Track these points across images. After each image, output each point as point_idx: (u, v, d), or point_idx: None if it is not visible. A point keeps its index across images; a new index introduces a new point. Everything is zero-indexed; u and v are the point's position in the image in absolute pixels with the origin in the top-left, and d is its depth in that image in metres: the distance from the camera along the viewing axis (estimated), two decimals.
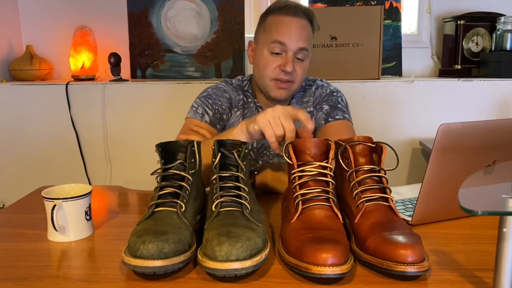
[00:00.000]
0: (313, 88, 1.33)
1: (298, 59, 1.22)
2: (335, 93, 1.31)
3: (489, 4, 2.10)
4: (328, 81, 1.37)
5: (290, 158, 0.78)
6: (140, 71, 2.05)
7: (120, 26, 2.13)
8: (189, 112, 1.28)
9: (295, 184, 0.76)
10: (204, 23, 2.05)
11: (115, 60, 2.02)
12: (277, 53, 1.21)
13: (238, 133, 1.00)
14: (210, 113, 1.26)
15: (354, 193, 0.76)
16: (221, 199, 0.73)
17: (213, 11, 2.03)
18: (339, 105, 1.28)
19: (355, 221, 0.74)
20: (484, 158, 0.85)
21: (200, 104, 1.27)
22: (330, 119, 1.25)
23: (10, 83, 1.98)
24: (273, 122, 0.95)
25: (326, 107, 1.27)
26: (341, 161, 0.80)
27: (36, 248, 0.78)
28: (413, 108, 1.92)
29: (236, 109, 1.31)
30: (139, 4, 2.02)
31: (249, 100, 1.32)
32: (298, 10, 1.21)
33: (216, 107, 1.27)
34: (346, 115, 1.27)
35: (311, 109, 1.31)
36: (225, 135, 1.02)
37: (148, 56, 2.04)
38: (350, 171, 0.78)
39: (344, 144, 0.80)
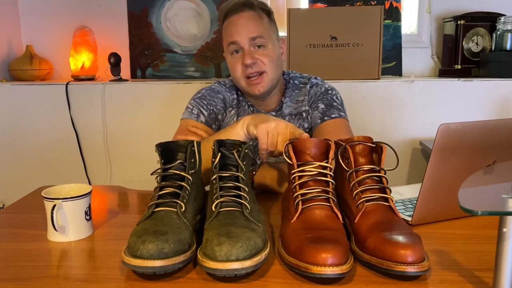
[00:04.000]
0: (308, 86, 1.33)
1: (259, 47, 1.23)
2: (330, 91, 1.31)
3: (489, 4, 2.10)
4: (322, 79, 1.37)
5: (290, 158, 0.78)
6: (140, 71, 2.05)
7: (120, 26, 2.13)
8: (184, 113, 1.29)
9: (295, 184, 0.76)
10: (204, 23, 2.05)
11: (115, 60, 2.02)
12: (237, 52, 1.24)
13: (239, 129, 1.02)
14: (206, 113, 1.27)
15: (354, 193, 0.76)
16: (221, 199, 0.73)
17: (213, 11, 2.03)
18: (335, 103, 1.28)
19: (355, 221, 0.74)
20: (484, 158, 0.85)
21: (195, 105, 1.28)
22: (326, 118, 1.25)
23: (10, 83, 1.98)
24: (270, 137, 0.97)
25: (321, 105, 1.27)
26: (341, 161, 0.80)
27: (36, 248, 0.78)
28: (413, 108, 1.92)
29: (230, 109, 1.33)
30: (139, 4, 2.02)
31: (241, 99, 1.33)
32: (238, 6, 1.24)
33: (211, 108, 1.28)
34: (342, 113, 1.27)
35: (306, 108, 1.31)
36: (227, 130, 1.05)
37: (148, 56, 2.05)
38: (350, 171, 0.78)
39: (344, 144, 0.80)
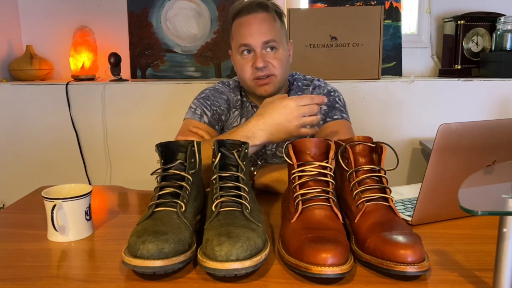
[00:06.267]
0: (310, 88, 1.33)
1: (271, 49, 1.22)
2: (332, 93, 1.31)
3: (489, 4, 2.10)
4: (325, 81, 1.37)
5: (290, 158, 0.78)
6: (140, 71, 2.05)
7: (120, 26, 2.13)
8: (187, 113, 1.28)
9: (295, 184, 0.76)
10: (204, 23, 2.05)
11: (115, 60, 2.02)
12: (248, 52, 1.22)
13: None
14: (209, 114, 1.26)
15: (354, 193, 0.76)
16: (221, 199, 0.73)
17: (213, 11, 2.03)
18: (337, 105, 1.28)
19: (355, 221, 0.74)
20: (484, 158, 0.85)
21: (199, 105, 1.27)
22: (328, 119, 1.25)
23: (10, 83, 1.99)
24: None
25: (324, 107, 1.27)
26: (341, 161, 0.80)
27: (36, 248, 0.78)
28: (413, 108, 1.92)
29: (234, 110, 1.32)
30: (139, 4, 2.02)
31: (245, 100, 1.33)
32: (252, 7, 1.21)
33: (215, 108, 1.28)
34: (344, 115, 1.27)
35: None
36: (229, 133, 1.05)
37: (148, 56, 2.05)
38: (350, 171, 0.78)
39: (344, 144, 0.80)
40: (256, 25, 1.20)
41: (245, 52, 1.22)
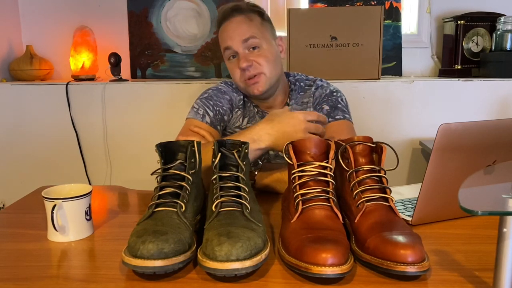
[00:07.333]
0: (313, 88, 1.33)
1: (254, 48, 1.24)
2: (335, 93, 1.31)
3: (489, 4, 2.10)
4: (328, 81, 1.37)
5: (290, 158, 0.78)
6: (140, 71, 2.05)
7: (120, 26, 2.13)
8: (189, 112, 1.29)
9: (295, 184, 0.76)
10: (204, 23, 2.05)
11: (115, 60, 2.02)
12: (234, 57, 1.26)
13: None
14: (211, 114, 1.26)
15: (354, 193, 0.76)
16: (221, 199, 0.73)
17: (213, 11, 2.03)
18: (339, 105, 1.28)
19: (355, 221, 0.74)
20: (484, 158, 0.85)
21: (201, 105, 1.28)
22: (330, 119, 1.25)
23: (10, 83, 1.98)
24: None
25: (326, 107, 1.27)
26: (341, 161, 0.80)
27: (36, 248, 0.78)
28: (413, 108, 1.92)
29: (236, 110, 1.32)
30: (139, 4, 2.02)
31: (246, 100, 1.34)
32: (228, 13, 1.26)
33: (217, 108, 1.28)
34: (346, 115, 1.27)
35: (311, 109, 1.31)
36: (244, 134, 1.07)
37: (148, 56, 2.05)
38: (350, 171, 0.78)
39: (344, 144, 0.80)
40: (234, 28, 1.24)
41: (231, 57, 1.26)
